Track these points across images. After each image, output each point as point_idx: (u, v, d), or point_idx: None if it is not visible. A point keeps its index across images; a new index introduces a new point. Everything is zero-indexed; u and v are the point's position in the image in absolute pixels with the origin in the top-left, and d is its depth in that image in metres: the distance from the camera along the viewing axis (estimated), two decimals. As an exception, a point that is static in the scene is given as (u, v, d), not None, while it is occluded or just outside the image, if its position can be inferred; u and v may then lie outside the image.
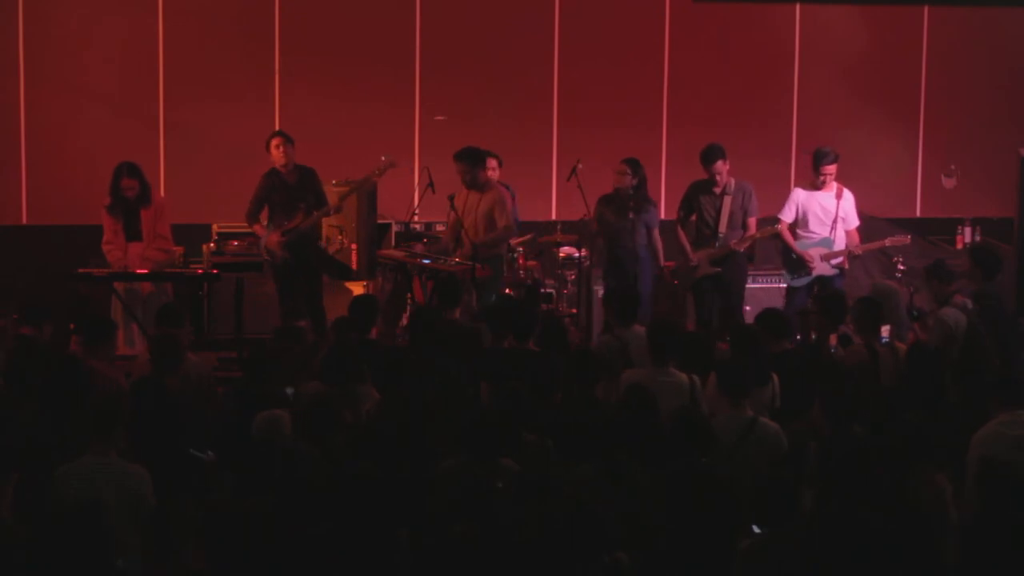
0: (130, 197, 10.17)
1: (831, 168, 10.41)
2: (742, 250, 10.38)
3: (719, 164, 10.27)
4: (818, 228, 10.49)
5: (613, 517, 5.49)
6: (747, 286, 10.78)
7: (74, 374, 7.11)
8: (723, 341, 8.84)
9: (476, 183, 10.25)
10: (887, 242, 10.67)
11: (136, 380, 7.46)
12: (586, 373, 7.20)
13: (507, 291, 10.65)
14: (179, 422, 6.95)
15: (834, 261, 10.45)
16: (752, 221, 10.41)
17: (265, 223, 10.33)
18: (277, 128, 11.72)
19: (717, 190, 10.34)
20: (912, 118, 13.55)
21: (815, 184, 10.51)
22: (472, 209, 10.21)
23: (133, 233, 10.24)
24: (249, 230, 10.66)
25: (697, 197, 10.45)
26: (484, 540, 5.38)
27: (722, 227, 10.34)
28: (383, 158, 10.59)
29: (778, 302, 10.59)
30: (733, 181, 10.37)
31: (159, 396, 7.07)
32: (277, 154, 10.22)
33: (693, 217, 10.50)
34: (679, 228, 10.56)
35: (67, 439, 6.39)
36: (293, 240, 10.21)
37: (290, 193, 10.27)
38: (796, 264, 10.55)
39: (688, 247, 10.46)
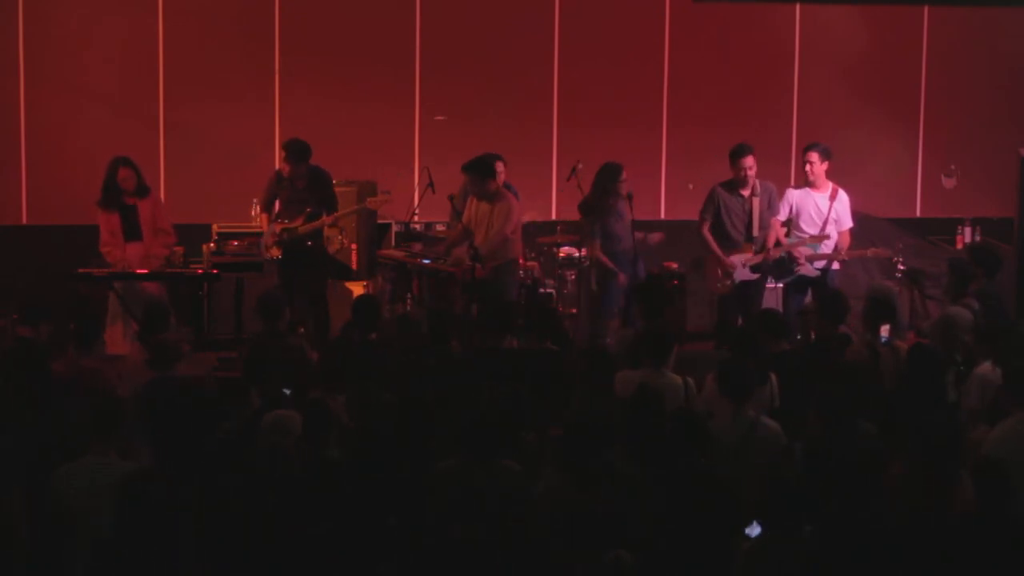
0: (128, 188, 10.14)
1: (813, 155, 10.32)
2: (771, 260, 10.24)
3: (750, 159, 10.14)
4: (809, 228, 10.46)
5: (614, 516, 5.50)
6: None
7: (37, 373, 7.11)
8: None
9: (486, 194, 10.12)
10: (869, 252, 10.69)
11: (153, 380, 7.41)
12: (600, 371, 7.22)
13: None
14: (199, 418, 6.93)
15: (817, 263, 10.41)
16: (775, 220, 10.34)
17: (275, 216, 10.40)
18: (277, 128, 11.81)
19: (745, 192, 10.23)
20: (912, 118, 13.56)
21: (804, 178, 10.48)
22: (484, 221, 10.13)
23: (132, 232, 10.21)
24: (249, 230, 10.69)
25: (723, 199, 10.30)
26: (484, 540, 5.39)
27: (755, 230, 10.24)
28: (385, 194, 10.67)
29: (776, 302, 10.58)
30: (757, 182, 10.30)
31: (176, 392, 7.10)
32: (283, 167, 10.25)
33: (715, 219, 10.38)
34: (706, 232, 10.36)
35: (55, 440, 6.41)
36: (286, 240, 10.24)
37: (297, 196, 10.27)
38: (777, 263, 10.50)
39: (721, 253, 10.26)
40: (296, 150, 10.19)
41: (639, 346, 7.68)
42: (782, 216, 10.51)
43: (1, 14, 12.02)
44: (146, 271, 10.15)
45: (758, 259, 10.26)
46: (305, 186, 10.26)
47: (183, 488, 6.02)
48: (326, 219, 10.27)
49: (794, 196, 10.52)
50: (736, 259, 10.27)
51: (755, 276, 10.28)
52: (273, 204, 10.43)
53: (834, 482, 5.74)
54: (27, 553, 5.84)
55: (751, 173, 10.19)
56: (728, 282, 10.29)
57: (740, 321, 10.21)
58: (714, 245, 10.33)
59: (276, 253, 10.27)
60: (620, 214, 10.27)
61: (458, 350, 8.30)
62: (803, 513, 5.54)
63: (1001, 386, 7.01)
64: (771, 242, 10.31)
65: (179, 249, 10.58)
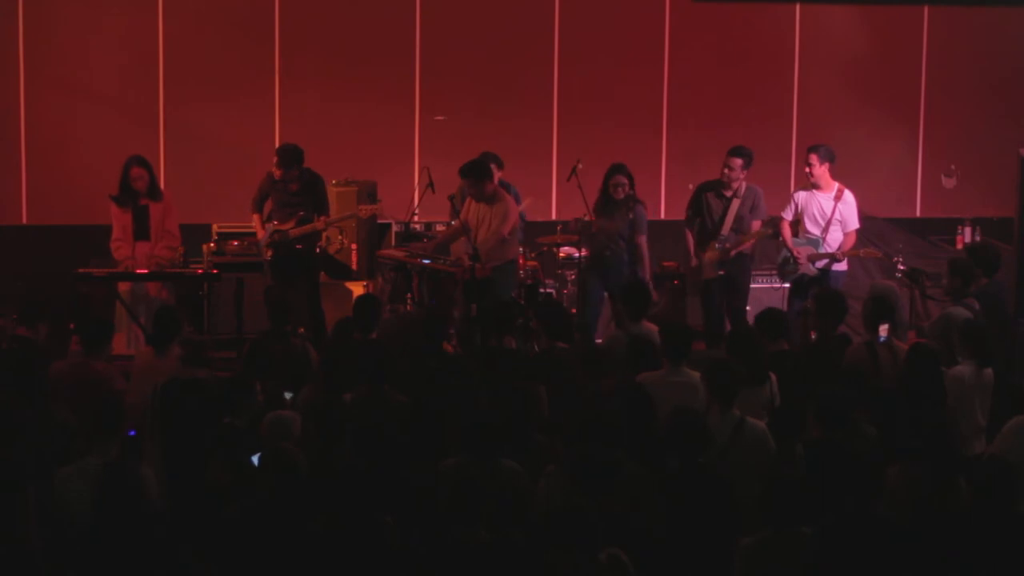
0: (140, 188, 10.17)
1: (813, 157, 10.39)
2: (733, 255, 10.34)
3: (734, 161, 10.24)
4: (813, 228, 10.49)
5: (614, 516, 5.50)
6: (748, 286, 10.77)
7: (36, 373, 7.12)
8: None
9: (484, 196, 10.10)
10: (861, 253, 10.72)
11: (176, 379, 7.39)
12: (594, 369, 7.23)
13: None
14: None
15: (818, 263, 10.42)
16: (756, 224, 10.37)
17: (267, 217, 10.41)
18: (277, 128, 11.80)
19: (728, 193, 10.32)
20: (912, 118, 13.55)
21: (808, 180, 10.52)
22: (483, 222, 10.12)
23: (141, 231, 10.24)
24: (249, 230, 10.69)
25: (704, 198, 10.44)
26: (484, 540, 5.38)
27: (724, 229, 10.31)
28: (375, 202, 10.74)
29: (778, 302, 10.59)
30: (745, 185, 10.35)
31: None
32: (274, 170, 10.26)
33: (699, 218, 10.49)
34: (687, 230, 10.56)
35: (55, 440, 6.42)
36: (277, 241, 10.26)
37: (288, 199, 10.28)
38: (783, 262, 10.55)
39: (692, 250, 10.47)
40: (285, 155, 10.22)
41: (634, 348, 7.67)
42: (788, 216, 10.54)
43: (1, 14, 12.02)
44: (146, 271, 10.16)
45: (722, 256, 10.33)
46: (298, 189, 10.29)
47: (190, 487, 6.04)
48: (318, 224, 10.29)
49: (799, 197, 10.56)
50: (707, 257, 10.39)
51: (719, 273, 10.34)
52: (263, 204, 10.45)
53: (834, 482, 5.74)
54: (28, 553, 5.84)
55: (726, 172, 10.30)
56: (699, 280, 10.46)
57: (720, 319, 10.35)
58: (690, 244, 10.50)
59: (268, 254, 10.31)
60: (622, 214, 10.28)
61: (451, 351, 8.33)
62: (803, 513, 5.55)
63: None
64: (736, 249, 10.34)
65: (180, 249, 10.59)
